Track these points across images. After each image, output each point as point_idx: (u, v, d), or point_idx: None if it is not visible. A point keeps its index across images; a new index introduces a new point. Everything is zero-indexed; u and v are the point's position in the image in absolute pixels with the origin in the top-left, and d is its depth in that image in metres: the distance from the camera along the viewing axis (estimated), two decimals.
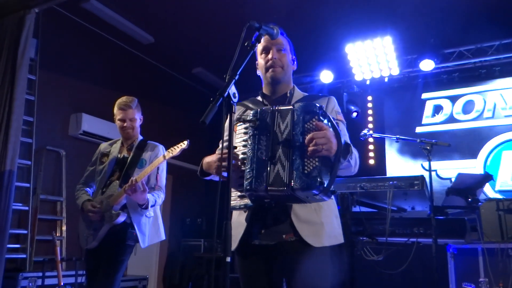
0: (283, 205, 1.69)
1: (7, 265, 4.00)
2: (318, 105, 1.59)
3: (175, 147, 2.69)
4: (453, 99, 6.10)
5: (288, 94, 1.93)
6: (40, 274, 3.97)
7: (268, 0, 4.91)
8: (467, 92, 6.02)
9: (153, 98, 6.26)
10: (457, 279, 3.52)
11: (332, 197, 1.73)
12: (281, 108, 1.66)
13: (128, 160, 2.89)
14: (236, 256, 1.84)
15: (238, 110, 1.96)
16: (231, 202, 1.63)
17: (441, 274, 3.52)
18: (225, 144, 1.90)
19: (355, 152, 1.73)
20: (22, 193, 4.51)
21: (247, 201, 1.61)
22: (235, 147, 1.66)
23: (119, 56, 5.93)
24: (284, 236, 1.69)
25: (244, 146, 1.65)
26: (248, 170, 1.58)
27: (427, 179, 3.00)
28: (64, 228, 4.88)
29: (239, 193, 1.63)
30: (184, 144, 2.67)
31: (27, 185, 4.52)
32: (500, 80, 5.81)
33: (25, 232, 4.42)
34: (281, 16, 4.92)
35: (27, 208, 4.48)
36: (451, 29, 5.35)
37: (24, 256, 4.35)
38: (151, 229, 2.86)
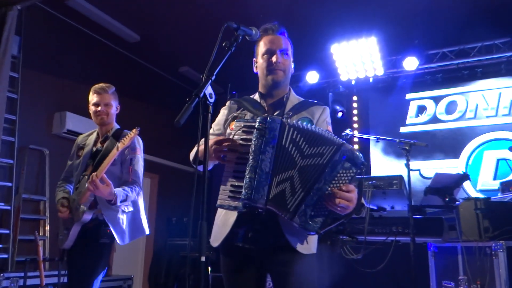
0: (272, 212, 1.64)
1: None
2: (362, 159, 1.54)
3: (126, 137, 2.53)
4: (437, 99, 6.19)
5: (284, 99, 1.90)
6: (22, 274, 3.92)
7: (254, 0, 4.92)
8: (450, 92, 6.12)
9: (139, 96, 6.24)
10: (438, 277, 3.58)
11: None
12: (320, 132, 1.58)
13: (100, 154, 2.70)
14: (220, 254, 1.82)
15: (234, 107, 1.92)
16: (219, 199, 1.60)
17: (422, 272, 3.58)
18: (216, 133, 1.89)
19: (364, 209, 1.73)
20: (4, 192, 4.46)
21: (237, 204, 1.56)
22: (235, 150, 1.61)
23: (104, 54, 5.89)
24: (271, 241, 1.68)
25: (243, 146, 1.60)
26: (247, 178, 1.53)
27: (406, 179, 3.04)
28: (47, 227, 4.84)
29: (230, 194, 1.58)
30: (133, 133, 2.51)
31: (9, 184, 4.47)
32: (482, 81, 5.92)
33: (7, 232, 4.37)
34: (266, 16, 4.92)
35: (9, 207, 4.43)
36: (434, 30, 5.43)
37: (6, 256, 4.29)
38: (131, 224, 2.70)
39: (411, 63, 5.70)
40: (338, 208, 1.50)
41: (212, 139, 1.65)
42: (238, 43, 1.66)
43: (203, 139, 1.93)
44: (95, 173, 2.44)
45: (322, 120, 1.89)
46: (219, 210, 1.80)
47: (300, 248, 1.67)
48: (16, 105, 4.60)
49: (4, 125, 4.22)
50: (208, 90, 1.44)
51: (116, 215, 2.61)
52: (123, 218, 2.65)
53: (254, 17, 4.80)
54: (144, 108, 6.37)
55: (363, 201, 1.61)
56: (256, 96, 1.95)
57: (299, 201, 1.53)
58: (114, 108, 2.82)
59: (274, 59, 1.84)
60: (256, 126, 1.57)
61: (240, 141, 1.60)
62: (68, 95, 5.28)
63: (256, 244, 1.70)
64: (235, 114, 1.89)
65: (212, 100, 1.45)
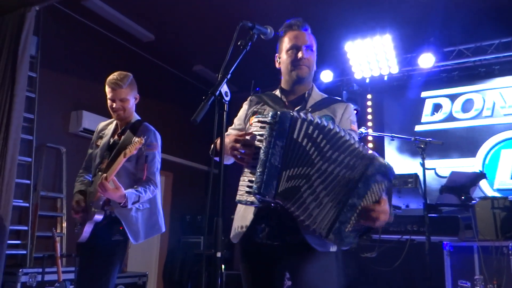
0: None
1: (8, 261, 4.04)
2: (394, 172, 1.54)
3: (132, 144, 2.41)
4: (453, 97, 6.11)
5: (306, 95, 1.88)
6: (40, 270, 3.99)
7: None
8: (466, 90, 6.03)
9: (153, 95, 6.29)
10: (453, 276, 3.54)
11: None
12: (346, 140, 1.54)
13: (116, 148, 2.56)
14: (239, 249, 1.82)
15: (254, 102, 1.92)
16: (238, 194, 1.60)
17: (438, 271, 3.55)
18: (238, 128, 1.92)
19: (392, 217, 1.71)
20: (22, 189, 4.55)
21: (253, 199, 1.56)
22: (251, 146, 1.60)
23: (119, 54, 5.96)
24: (288, 238, 1.67)
25: (259, 141, 1.59)
26: (258, 173, 1.53)
27: (422, 177, 3.02)
28: (64, 224, 4.92)
29: (247, 188, 1.57)
30: (138, 143, 2.41)
31: (28, 181, 4.55)
32: (499, 79, 5.81)
33: (26, 228, 4.46)
34: (281, 14, 4.91)
35: (27, 204, 4.52)
36: (450, 27, 5.36)
37: (25, 252, 4.39)
38: (147, 222, 2.59)
39: (426, 61, 5.62)
40: (375, 223, 1.48)
41: (232, 135, 1.67)
42: (253, 42, 1.67)
43: (226, 133, 1.95)
44: (105, 174, 2.35)
45: (345, 118, 1.84)
46: (239, 206, 1.80)
47: (318, 246, 1.65)
48: (34, 104, 4.69)
49: (22, 123, 4.30)
50: (224, 88, 1.46)
51: (129, 213, 2.51)
52: (137, 216, 2.55)
53: (267, 16, 4.82)
54: (158, 107, 6.42)
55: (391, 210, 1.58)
56: (277, 92, 1.93)
57: (331, 217, 1.49)
58: (132, 101, 2.68)
59: (300, 55, 1.82)
60: (267, 121, 1.57)
61: (258, 137, 1.59)
62: (84, 94, 5.36)
63: (273, 241, 1.69)
64: (254, 109, 1.89)
65: (227, 98, 1.47)
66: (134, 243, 2.53)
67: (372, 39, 5.63)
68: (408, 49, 5.84)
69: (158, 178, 2.64)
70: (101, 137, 2.73)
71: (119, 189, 2.34)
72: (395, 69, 5.93)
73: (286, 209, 1.57)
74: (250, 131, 1.66)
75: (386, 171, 1.51)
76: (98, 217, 2.47)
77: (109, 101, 2.66)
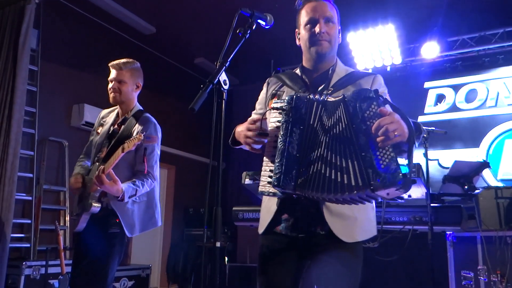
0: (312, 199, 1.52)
1: (11, 254, 4.06)
2: (372, 89, 1.39)
3: (131, 140, 2.34)
4: (456, 88, 6.05)
5: (330, 71, 1.73)
6: (44, 262, 4.01)
7: None
8: (470, 80, 5.97)
9: (155, 88, 6.27)
10: (456, 266, 3.53)
11: None
12: (329, 100, 1.45)
13: (116, 137, 2.52)
14: (260, 238, 1.74)
15: (273, 84, 1.82)
16: (260, 185, 1.54)
17: (441, 262, 3.54)
18: (259, 113, 1.83)
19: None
20: (25, 183, 4.57)
21: (276, 190, 1.49)
22: (267, 134, 1.54)
23: (121, 47, 5.95)
24: (313, 229, 1.59)
25: (278, 128, 1.50)
26: (276, 163, 1.45)
27: (424, 167, 3.01)
28: (67, 218, 4.95)
29: (269, 179, 1.49)
30: (137, 139, 2.34)
31: (30, 175, 4.57)
32: (503, 68, 5.75)
33: (29, 221, 4.48)
34: (281, 4, 4.89)
35: (30, 198, 4.53)
36: (454, 17, 5.30)
37: (28, 245, 4.41)
38: (143, 215, 2.54)
39: (430, 51, 5.57)
40: (396, 137, 1.32)
41: (245, 123, 1.61)
42: (253, 30, 1.65)
43: (249, 118, 1.82)
44: (102, 167, 2.31)
45: None
46: (264, 197, 1.73)
47: (344, 236, 1.55)
48: (35, 97, 4.69)
49: (24, 117, 4.30)
50: (222, 76, 1.44)
51: (125, 205, 2.47)
52: (134, 209, 2.51)
53: (268, 7, 4.77)
54: (160, 100, 6.41)
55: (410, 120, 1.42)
56: (298, 70, 1.80)
57: (362, 173, 1.34)
58: (131, 86, 2.62)
59: (317, 29, 1.67)
60: (283, 107, 1.48)
61: (277, 123, 1.50)
62: (85, 87, 5.35)
63: (298, 233, 1.61)
64: (273, 91, 1.79)
65: (226, 87, 1.45)
66: (129, 236, 2.49)
67: (374, 29, 5.59)
68: (411, 39, 5.79)
69: (156, 171, 2.60)
70: (102, 125, 2.71)
71: (116, 183, 2.30)
72: (398, 60, 5.88)
73: (312, 199, 1.49)
74: (267, 117, 1.59)
75: (363, 95, 1.37)
76: (95, 209, 2.44)
77: (109, 83, 2.64)
